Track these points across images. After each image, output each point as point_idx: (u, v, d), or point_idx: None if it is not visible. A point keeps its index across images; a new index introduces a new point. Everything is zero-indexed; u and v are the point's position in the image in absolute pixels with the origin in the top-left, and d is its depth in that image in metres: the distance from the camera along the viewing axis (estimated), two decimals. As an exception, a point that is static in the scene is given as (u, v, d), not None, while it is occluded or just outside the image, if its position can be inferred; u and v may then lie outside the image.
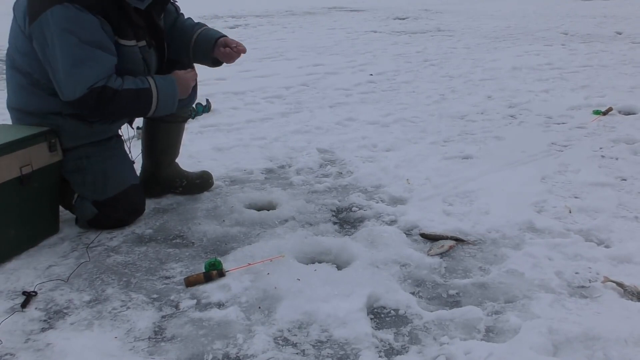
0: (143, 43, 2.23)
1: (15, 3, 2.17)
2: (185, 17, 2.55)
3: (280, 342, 1.67)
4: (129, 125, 2.56)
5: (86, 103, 2.06)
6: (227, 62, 2.48)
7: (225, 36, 2.46)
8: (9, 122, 2.37)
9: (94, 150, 2.29)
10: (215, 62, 2.49)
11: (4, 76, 2.34)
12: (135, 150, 2.65)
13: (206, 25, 2.52)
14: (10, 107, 2.29)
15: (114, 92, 2.06)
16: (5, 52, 2.30)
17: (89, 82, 2.02)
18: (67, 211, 2.40)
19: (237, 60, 2.48)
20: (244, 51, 2.43)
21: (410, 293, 1.91)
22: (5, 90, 2.30)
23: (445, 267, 2.07)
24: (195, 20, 2.54)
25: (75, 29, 1.99)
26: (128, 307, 1.84)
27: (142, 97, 2.15)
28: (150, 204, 2.57)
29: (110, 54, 2.09)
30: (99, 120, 2.27)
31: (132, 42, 2.17)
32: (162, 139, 2.62)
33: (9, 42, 2.22)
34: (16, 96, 2.23)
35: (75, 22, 1.99)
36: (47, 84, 2.14)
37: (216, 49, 2.42)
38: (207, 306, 1.84)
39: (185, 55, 2.48)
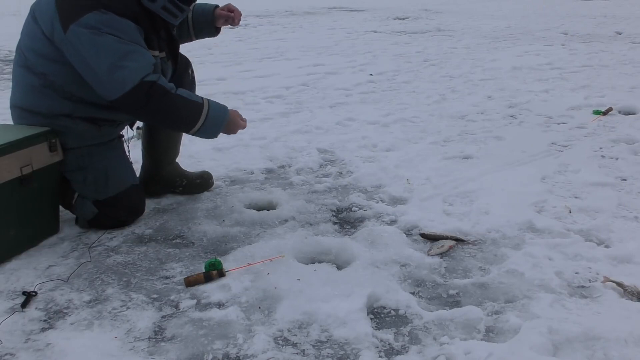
0: (163, 54, 2.27)
1: (36, 5, 2.16)
2: None
3: (280, 342, 1.67)
4: (128, 126, 2.55)
5: (136, 97, 2.04)
6: (232, 25, 2.55)
7: (218, 5, 2.54)
8: (9, 122, 2.36)
9: (97, 150, 2.29)
10: (216, 30, 2.58)
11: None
12: (135, 151, 2.65)
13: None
14: (15, 106, 2.27)
15: (165, 92, 2.08)
16: (15, 49, 2.26)
17: (140, 74, 2.03)
18: (67, 211, 2.40)
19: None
20: (240, 13, 2.54)
21: (410, 293, 1.91)
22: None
23: (445, 267, 2.07)
24: None
25: (114, 31, 2.02)
26: (128, 307, 1.84)
27: (192, 109, 2.15)
28: (150, 204, 2.57)
29: (149, 53, 2.12)
30: (110, 123, 2.30)
31: (156, 53, 2.21)
32: (162, 139, 2.62)
33: (22, 41, 2.20)
34: (25, 95, 2.21)
35: (114, 25, 2.02)
36: (62, 86, 2.15)
37: (217, 19, 2.50)
38: (207, 306, 1.84)
39: (187, 35, 2.55)
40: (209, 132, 2.23)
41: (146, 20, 2.14)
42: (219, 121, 2.22)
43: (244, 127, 2.35)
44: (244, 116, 2.37)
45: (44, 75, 2.14)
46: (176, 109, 2.13)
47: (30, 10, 2.19)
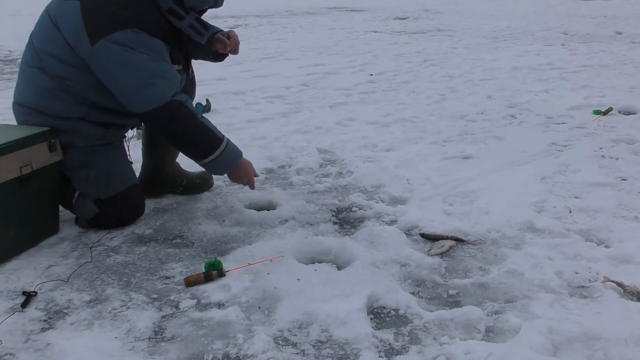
0: (180, 67, 2.30)
1: (56, 10, 2.14)
2: None
3: (280, 342, 1.67)
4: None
5: (163, 115, 2.10)
6: (232, 53, 2.51)
7: (222, 30, 2.52)
8: (9, 121, 2.36)
9: (100, 149, 2.30)
10: (217, 57, 2.54)
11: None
12: (135, 151, 2.64)
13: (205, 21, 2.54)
14: (22, 104, 2.24)
15: (191, 115, 2.14)
16: (26, 47, 2.25)
17: (169, 92, 2.09)
18: (67, 211, 2.40)
19: (237, 60, 2.50)
20: (237, 41, 2.49)
21: (410, 293, 1.91)
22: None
23: (445, 267, 2.07)
24: None
25: (146, 50, 2.05)
26: (128, 307, 1.83)
27: (210, 140, 2.21)
28: (150, 204, 2.57)
29: (176, 71, 2.17)
30: (118, 127, 2.32)
31: (176, 67, 2.24)
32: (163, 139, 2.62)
33: (37, 42, 2.18)
34: (35, 95, 2.19)
35: (146, 45, 2.05)
36: (79, 91, 2.15)
37: (216, 42, 2.46)
38: (207, 306, 1.84)
39: (191, 54, 2.53)
40: (217, 168, 2.29)
41: (172, 37, 2.18)
42: (230, 162, 2.29)
43: (251, 181, 2.40)
44: (257, 172, 2.45)
45: (61, 79, 2.14)
46: (195, 135, 2.18)
47: (47, 12, 2.17)
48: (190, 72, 2.57)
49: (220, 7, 2.45)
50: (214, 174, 2.36)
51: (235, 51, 2.50)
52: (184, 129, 2.15)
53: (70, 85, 2.14)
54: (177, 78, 2.15)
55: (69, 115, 2.18)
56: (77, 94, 2.16)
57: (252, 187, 2.43)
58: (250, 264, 2.02)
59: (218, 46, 2.47)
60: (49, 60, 2.14)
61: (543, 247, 2.17)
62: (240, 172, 2.36)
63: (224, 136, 2.27)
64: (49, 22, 2.15)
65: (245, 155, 2.31)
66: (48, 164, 2.18)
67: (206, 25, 2.23)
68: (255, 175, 2.44)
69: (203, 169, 2.77)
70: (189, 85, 2.54)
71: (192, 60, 2.55)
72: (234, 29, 2.54)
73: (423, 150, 3.32)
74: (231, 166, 2.31)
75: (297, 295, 1.85)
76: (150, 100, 2.08)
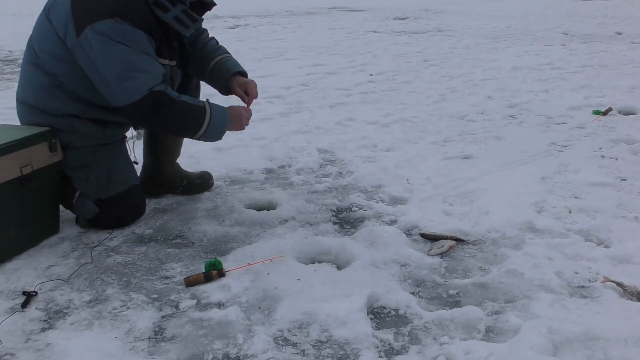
0: (173, 63, 2.28)
1: (51, 5, 2.15)
2: (209, 34, 2.60)
3: (280, 342, 1.67)
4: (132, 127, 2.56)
5: (143, 107, 2.07)
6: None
7: (241, 71, 2.49)
8: (9, 121, 2.36)
9: (100, 149, 2.30)
10: (227, 91, 2.52)
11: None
12: (136, 151, 2.65)
13: (227, 53, 2.55)
14: (23, 102, 2.26)
15: (171, 100, 2.10)
16: (26, 45, 2.26)
17: (149, 84, 2.06)
18: (68, 211, 2.40)
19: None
20: (255, 97, 2.45)
21: (410, 293, 1.91)
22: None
23: (445, 267, 2.07)
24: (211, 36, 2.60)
25: (126, 41, 2.03)
26: (128, 307, 1.84)
27: (195, 113, 2.17)
28: (150, 204, 2.57)
29: (159, 64, 2.14)
30: (115, 125, 2.31)
31: (166, 62, 2.22)
32: (164, 139, 2.63)
33: (34, 38, 2.20)
34: (34, 93, 2.21)
35: (127, 36, 2.03)
36: (72, 88, 2.16)
37: (232, 81, 2.44)
38: (207, 306, 1.84)
39: (201, 78, 2.54)
40: (213, 134, 2.25)
41: (159, 31, 2.16)
42: (221, 124, 2.24)
43: (248, 117, 2.34)
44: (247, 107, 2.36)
45: (54, 76, 2.15)
46: (180, 115, 2.15)
47: (45, 8, 2.19)
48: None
49: (219, 7, 2.44)
50: (215, 140, 2.29)
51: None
52: (167, 115, 2.12)
53: (63, 83, 2.15)
54: (157, 70, 2.11)
55: (65, 112, 2.19)
56: (70, 91, 2.16)
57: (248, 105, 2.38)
58: (250, 264, 2.02)
59: (232, 91, 2.45)
60: (44, 55, 2.15)
61: (543, 247, 2.17)
62: (235, 121, 2.29)
63: (204, 103, 2.21)
64: (44, 18, 2.17)
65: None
66: (48, 164, 2.18)
67: (194, 18, 2.20)
68: (246, 111, 2.34)
69: (203, 169, 2.79)
70: (194, 89, 2.54)
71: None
72: (253, 80, 2.48)
73: (423, 150, 3.32)
74: (224, 125, 2.25)
75: (297, 295, 1.85)
76: (129, 93, 2.06)
